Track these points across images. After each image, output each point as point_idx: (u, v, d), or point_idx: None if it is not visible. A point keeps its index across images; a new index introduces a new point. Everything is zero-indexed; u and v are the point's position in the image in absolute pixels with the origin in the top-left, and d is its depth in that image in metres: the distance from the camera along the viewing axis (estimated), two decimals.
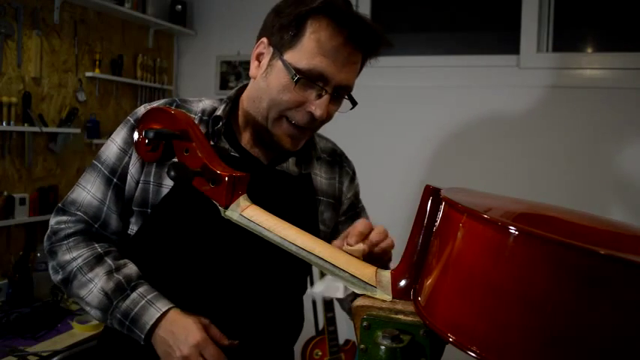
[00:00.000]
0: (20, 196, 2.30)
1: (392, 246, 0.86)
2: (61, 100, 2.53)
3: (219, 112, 1.02)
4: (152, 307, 0.95)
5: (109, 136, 1.06)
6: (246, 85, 1.07)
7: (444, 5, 2.72)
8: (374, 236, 0.81)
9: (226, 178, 0.75)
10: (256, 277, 1.04)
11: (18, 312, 2.02)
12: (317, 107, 0.94)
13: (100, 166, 1.03)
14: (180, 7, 3.04)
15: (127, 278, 0.99)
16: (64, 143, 2.54)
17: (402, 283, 0.59)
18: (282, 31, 0.95)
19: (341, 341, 2.50)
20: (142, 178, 1.01)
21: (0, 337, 1.88)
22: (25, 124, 2.33)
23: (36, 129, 2.33)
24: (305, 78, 0.93)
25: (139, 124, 0.86)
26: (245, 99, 1.05)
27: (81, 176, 1.06)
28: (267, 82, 0.97)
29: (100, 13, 2.70)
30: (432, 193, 0.58)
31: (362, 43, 0.96)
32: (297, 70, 0.93)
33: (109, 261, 1.01)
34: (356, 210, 1.24)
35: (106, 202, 1.02)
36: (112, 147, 1.03)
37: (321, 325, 2.51)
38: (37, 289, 2.22)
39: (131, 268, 1.01)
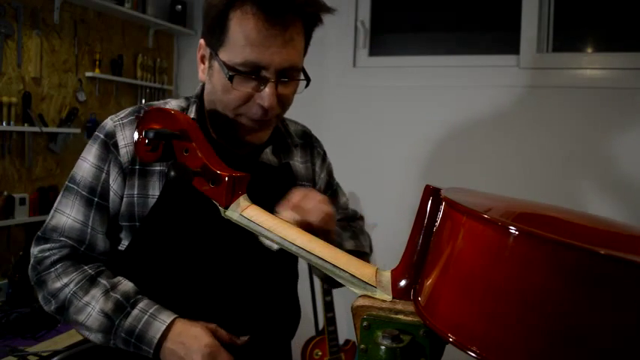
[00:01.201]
0: (20, 196, 2.30)
1: (326, 213, 0.87)
2: (61, 100, 2.53)
3: (191, 114, 1.00)
4: (156, 320, 0.93)
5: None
6: None
7: (444, 5, 2.72)
8: (294, 197, 0.85)
9: (226, 178, 0.75)
10: (250, 275, 1.04)
11: (18, 312, 2.02)
12: (264, 98, 0.91)
13: (76, 187, 0.99)
14: (180, 7, 3.04)
15: (124, 295, 0.96)
16: (64, 143, 2.54)
17: (402, 283, 0.59)
18: (210, 30, 0.92)
19: (341, 341, 2.50)
20: (125, 193, 0.98)
21: (0, 337, 1.88)
22: (25, 124, 2.33)
23: (36, 129, 2.33)
24: (240, 73, 0.90)
25: (138, 125, 0.86)
26: (206, 100, 1.03)
27: (57, 201, 1.01)
28: (212, 84, 0.96)
29: (100, 13, 2.70)
30: (432, 193, 0.58)
31: (288, 17, 0.89)
32: (232, 68, 0.90)
33: (103, 281, 0.97)
34: (332, 189, 1.24)
35: (89, 224, 0.98)
36: (85, 166, 0.99)
37: (321, 325, 2.51)
38: None
39: (127, 285, 0.98)
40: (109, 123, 1.00)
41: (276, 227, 0.71)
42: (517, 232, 0.43)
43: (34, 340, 1.88)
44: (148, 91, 2.99)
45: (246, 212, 0.74)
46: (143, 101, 2.96)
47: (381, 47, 2.74)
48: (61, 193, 1.01)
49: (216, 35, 0.91)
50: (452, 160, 2.51)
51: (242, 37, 0.88)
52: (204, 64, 0.99)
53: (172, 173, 0.74)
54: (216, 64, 0.93)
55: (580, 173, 2.29)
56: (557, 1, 2.39)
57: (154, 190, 0.98)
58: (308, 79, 0.97)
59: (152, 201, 0.98)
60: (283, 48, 0.90)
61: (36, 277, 1.00)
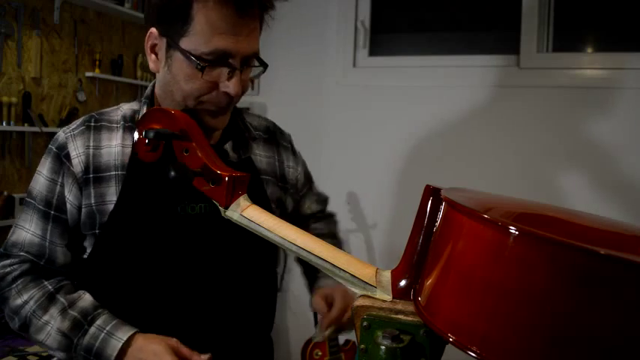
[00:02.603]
0: (20, 196, 2.30)
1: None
2: (61, 100, 2.53)
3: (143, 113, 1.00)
4: (112, 338, 0.92)
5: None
6: None
7: (444, 5, 2.72)
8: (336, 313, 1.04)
9: (226, 178, 0.75)
10: (219, 271, 1.04)
11: None
12: (231, 87, 0.93)
13: (33, 202, 0.99)
14: None
15: (82, 313, 0.95)
16: None
17: (402, 283, 0.59)
18: (169, 19, 0.92)
19: (341, 341, 2.50)
20: (83, 202, 0.98)
21: (0, 337, 1.88)
22: (25, 124, 2.33)
23: (36, 129, 2.33)
24: (209, 63, 0.90)
25: (138, 125, 0.86)
26: (158, 95, 1.03)
27: (18, 216, 1.02)
28: (172, 74, 0.95)
29: (100, 13, 2.70)
30: (432, 193, 0.58)
31: (252, 6, 0.92)
32: (199, 57, 0.90)
33: (61, 298, 0.97)
34: (311, 181, 1.28)
35: (47, 238, 0.98)
36: (40, 180, 0.99)
37: None
38: None
39: (86, 300, 0.97)
40: (60, 135, 1.01)
41: (276, 227, 0.71)
42: (517, 232, 0.43)
43: None
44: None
45: (246, 212, 0.74)
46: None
47: (381, 47, 2.74)
48: (22, 208, 1.02)
49: (176, 25, 0.91)
50: (452, 160, 2.51)
51: (209, 27, 0.89)
52: (155, 54, 0.98)
53: (172, 173, 0.74)
54: (177, 53, 0.92)
55: (580, 173, 2.29)
56: (557, 1, 2.39)
57: (111, 196, 0.97)
58: (265, 65, 0.99)
59: (110, 207, 0.97)
60: (247, 36, 0.92)
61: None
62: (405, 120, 2.60)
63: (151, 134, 0.79)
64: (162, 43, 0.96)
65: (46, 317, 0.95)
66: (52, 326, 0.94)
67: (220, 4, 0.88)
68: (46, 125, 2.41)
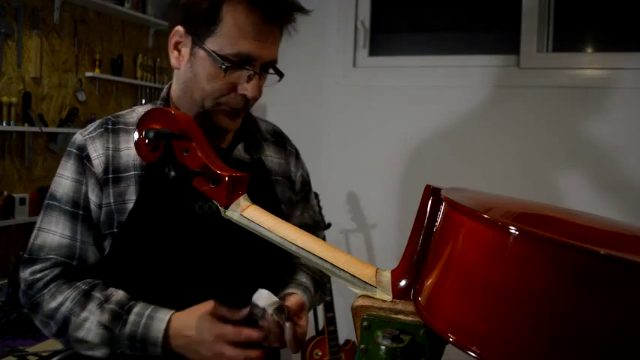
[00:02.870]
0: (20, 196, 2.30)
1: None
2: (61, 100, 2.53)
3: None
4: (154, 321, 0.94)
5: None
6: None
7: (444, 5, 2.72)
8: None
9: (226, 178, 0.75)
10: (236, 268, 1.05)
11: (18, 312, 2.02)
12: (249, 89, 0.97)
13: (58, 204, 1.00)
14: None
15: (119, 304, 0.96)
16: (64, 143, 2.54)
17: (402, 283, 0.59)
18: (197, 19, 0.95)
19: (341, 341, 2.50)
20: (103, 202, 0.99)
21: (0, 337, 1.88)
22: (25, 124, 2.33)
23: (36, 129, 2.33)
24: (233, 64, 0.94)
25: (139, 125, 0.86)
26: (175, 93, 1.05)
27: (39, 221, 1.01)
28: (194, 72, 0.98)
29: (100, 13, 2.70)
30: (432, 193, 0.58)
31: (279, 16, 0.97)
32: (223, 57, 0.93)
33: (97, 294, 0.98)
34: (306, 189, 1.26)
35: (77, 237, 0.99)
36: (64, 182, 1.00)
37: (321, 325, 2.51)
38: None
39: (119, 294, 0.99)
40: (78, 137, 1.02)
41: (276, 227, 0.71)
42: (517, 232, 0.43)
43: (34, 340, 1.88)
44: (147, 91, 2.99)
45: (246, 212, 0.74)
46: (143, 101, 2.96)
47: (381, 47, 2.74)
48: (42, 212, 1.02)
49: (203, 25, 0.94)
50: (452, 160, 2.51)
51: (236, 30, 0.93)
52: (179, 51, 1.00)
53: (172, 173, 0.74)
54: (201, 52, 0.95)
55: (580, 173, 2.29)
56: (557, 1, 2.39)
57: (130, 195, 0.99)
58: (280, 75, 1.04)
59: (130, 206, 0.99)
60: (270, 43, 0.97)
61: (29, 302, 1.00)
62: (404, 120, 2.60)
63: (151, 134, 0.79)
64: (187, 41, 0.98)
65: (84, 314, 0.96)
66: (91, 321, 0.95)
67: (249, 9, 0.93)
68: (46, 125, 2.41)
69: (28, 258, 1.00)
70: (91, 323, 0.95)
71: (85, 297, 0.97)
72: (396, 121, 2.61)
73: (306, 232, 0.70)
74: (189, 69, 0.98)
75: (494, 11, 2.59)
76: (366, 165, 2.65)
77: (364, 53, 2.72)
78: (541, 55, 2.38)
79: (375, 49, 2.74)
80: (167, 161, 0.81)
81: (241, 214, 0.74)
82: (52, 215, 1.00)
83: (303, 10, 1.01)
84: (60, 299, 0.97)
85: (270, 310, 0.91)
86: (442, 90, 2.53)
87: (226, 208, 0.76)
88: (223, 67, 0.93)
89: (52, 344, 1.86)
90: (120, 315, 0.95)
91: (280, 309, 0.92)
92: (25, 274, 1.00)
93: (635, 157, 2.19)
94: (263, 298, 0.93)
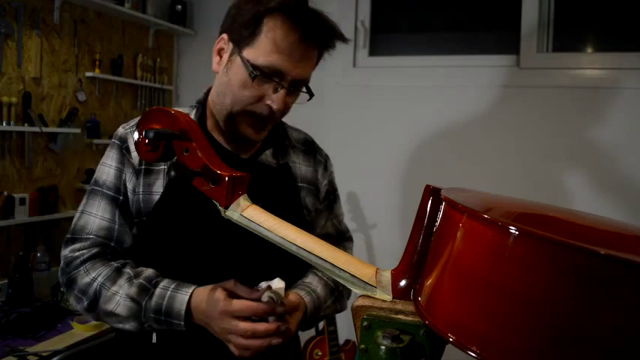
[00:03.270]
0: (20, 196, 2.30)
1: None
2: (61, 100, 2.53)
3: (192, 118, 1.07)
4: (179, 293, 0.98)
5: (104, 152, 1.11)
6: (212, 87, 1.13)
7: (444, 5, 2.72)
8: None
9: (226, 178, 0.75)
10: (252, 270, 1.06)
11: (18, 312, 2.02)
12: (275, 101, 1.00)
13: (101, 189, 1.07)
14: (180, 7, 3.04)
15: (147, 279, 1.01)
16: (64, 143, 2.54)
17: (402, 283, 0.59)
18: (240, 28, 1.00)
19: (341, 341, 2.50)
20: (135, 189, 1.06)
21: (0, 337, 1.88)
22: (25, 124, 2.33)
23: (36, 129, 2.33)
24: (262, 74, 0.98)
25: (139, 125, 0.86)
26: (212, 95, 1.10)
27: (81, 204, 1.09)
28: (229, 77, 1.03)
29: (100, 13, 2.70)
30: (432, 192, 0.58)
31: (316, 39, 1.01)
32: (255, 67, 0.98)
33: (128, 270, 1.03)
34: (330, 197, 1.28)
35: (116, 221, 1.06)
36: (108, 170, 1.07)
37: (321, 325, 2.51)
38: (37, 289, 2.22)
39: (148, 270, 1.04)
40: (120, 130, 1.10)
41: (276, 227, 0.71)
42: (517, 232, 0.43)
43: (34, 340, 1.88)
44: (147, 91, 2.99)
45: (246, 212, 0.74)
46: (143, 101, 2.96)
47: (381, 47, 2.74)
48: (86, 196, 1.09)
49: (244, 34, 0.99)
50: (452, 160, 2.51)
51: (272, 43, 0.97)
52: (220, 57, 1.06)
53: (172, 173, 0.74)
54: (238, 59, 1.01)
55: (580, 173, 2.29)
56: (557, 1, 2.39)
57: (158, 187, 1.05)
58: (311, 94, 1.08)
59: (156, 197, 1.05)
60: (303, 62, 1.01)
61: (66, 278, 1.05)
62: (405, 120, 2.60)
63: (151, 134, 0.79)
64: (228, 48, 1.04)
65: (115, 288, 1.01)
66: (120, 295, 1.00)
67: (288, 26, 0.97)
68: (46, 125, 2.41)
69: (69, 238, 1.07)
70: (119, 297, 1.00)
71: (117, 273, 1.03)
72: (396, 121, 2.61)
73: (306, 232, 0.70)
74: (225, 73, 1.04)
75: (494, 11, 2.59)
76: (366, 165, 2.65)
77: (364, 53, 2.72)
78: (541, 55, 2.38)
79: (375, 49, 2.74)
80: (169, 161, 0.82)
81: (241, 214, 0.74)
82: (95, 199, 1.07)
83: (342, 38, 1.06)
84: (93, 275, 1.02)
85: (268, 289, 0.94)
86: (442, 90, 2.53)
87: (226, 208, 0.76)
88: (252, 75, 0.98)
89: (52, 344, 1.86)
90: (147, 289, 0.99)
91: (277, 294, 0.95)
92: (66, 251, 1.06)
93: (635, 157, 2.19)
94: (274, 281, 0.97)
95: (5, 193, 2.26)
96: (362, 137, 2.67)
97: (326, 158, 1.28)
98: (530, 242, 0.42)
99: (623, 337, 0.40)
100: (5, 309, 2.06)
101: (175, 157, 0.82)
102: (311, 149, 1.25)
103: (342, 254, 0.66)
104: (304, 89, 1.07)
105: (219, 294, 0.94)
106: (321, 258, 0.66)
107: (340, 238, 1.30)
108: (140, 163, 1.07)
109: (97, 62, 2.65)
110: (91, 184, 1.09)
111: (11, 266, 2.21)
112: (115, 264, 1.04)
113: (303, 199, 1.17)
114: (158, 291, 0.99)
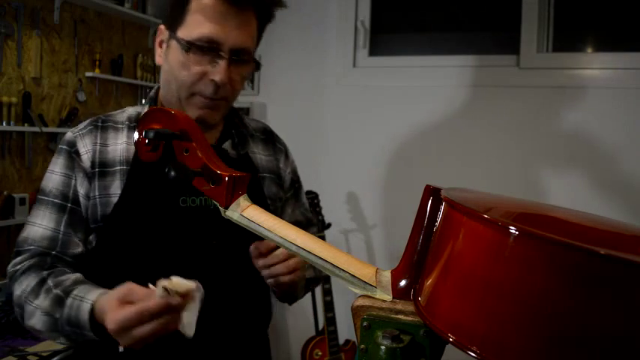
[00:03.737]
0: (20, 196, 2.31)
1: (290, 279, 0.96)
2: (61, 100, 2.53)
3: None
4: (83, 301, 0.88)
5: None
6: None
7: (444, 5, 2.72)
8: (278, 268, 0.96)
9: (226, 178, 0.75)
10: (219, 263, 1.05)
11: None
12: (216, 73, 0.97)
13: (46, 198, 1.02)
14: None
15: (64, 289, 0.92)
16: None
17: (403, 283, 0.59)
18: (171, 11, 0.99)
19: (341, 341, 2.50)
20: (90, 194, 1.01)
21: (0, 337, 1.88)
22: (25, 124, 2.33)
23: (36, 129, 2.33)
24: (196, 47, 0.96)
25: (139, 125, 0.86)
26: (162, 91, 1.08)
27: (29, 215, 1.04)
28: (169, 63, 1.01)
29: (100, 13, 2.70)
30: (432, 192, 0.58)
31: (244, 2, 0.97)
32: (189, 42, 0.96)
33: (49, 280, 0.95)
34: (295, 186, 1.27)
35: (60, 229, 1.00)
36: (54, 177, 1.03)
37: (321, 325, 2.51)
38: None
39: (69, 278, 0.94)
40: (69, 135, 1.06)
41: (276, 227, 0.71)
42: (517, 232, 0.43)
43: (34, 340, 1.88)
44: (147, 91, 2.99)
45: (246, 212, 0.74)
46: (143, 101, 2.96)
47: (381, 47, 2.74)
48: (33, 207, 1.04)
49: (175, 15, 0.98)
50: (452, 159, 2.51)
51: (201, 15, 0.95)
52: (161, 48, 1.05)
53: (172, 173, 0.74)
54: (173, 42, 0.99)
55: (580, 173, 2.29)
56: (557, 1, 2.39)
57: (116, 189, 1.01)
58: (258, 65, 1.04)
59: (114, 200, 1.00)
60: (237, 29, 0.97)
61: (10, 292, 1.00)
62: (405, 120, 2.60)
63: (151, 134, 0.79)
64: (165, 36, 1.03)
65: (36, 301, 0.93)
66: (40, 309, 0.92)
67: None
68: (46, 125, 2.41)
69: (15, 251, 1.02)
70: (38, 310, 0.92)
71: (39, 284, 0.95)
72: (396, 121, 2.61)
73: (305, 232, 0.70)
74: (166, 61, 1.02)
75: (494, 11, 2.59)
76: (366, 165, 2.65)
77: (364, 53, 2.72)
78: (541, 55, 2.38)
79: (375, 49, 2.74)
80: (167, 161, 0.81)
81: (241, 214, 0.74)
82: (40, 209, 1.02)
83: (277, 1, 1.03)
84: (23, 286, 0.96)
85: (160, 287, 0.80)
86: (442, 90, 2.53)
87: (226, 208, 0.76)
88: (185, 48, 0.95)
89: (52, 344, 1.86)
90: (62, 300, 0.90)
91: (176, 285, 0.81)
92: (9, 267, 1.01)
93: (635, 157, 2.19)
94: (175, 277, 0.83)
95: (5, 193, 2.26)
96: (362, 137, 2.67)
97: (285, 147, 1.26)
98: (530, 242, 0.42)
99: (623, 337, 0.40)
100: (5, 309, 2.06)
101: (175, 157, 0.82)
102: (270, 138, 1.23)
103: (342, 254, 0.66)
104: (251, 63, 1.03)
105: (112, 305, 0.82)
106: (321, 258, 0.65)
107: (308, 224, 1.30)
108: (92, 167, 1.02)
109: (97, 62, 2.66)
110: (38, 193, 1.05)
111: None
112: (43, 274, 0.96)
113: (267, 189, 1.16)
114: (69, 301, 0.89)
